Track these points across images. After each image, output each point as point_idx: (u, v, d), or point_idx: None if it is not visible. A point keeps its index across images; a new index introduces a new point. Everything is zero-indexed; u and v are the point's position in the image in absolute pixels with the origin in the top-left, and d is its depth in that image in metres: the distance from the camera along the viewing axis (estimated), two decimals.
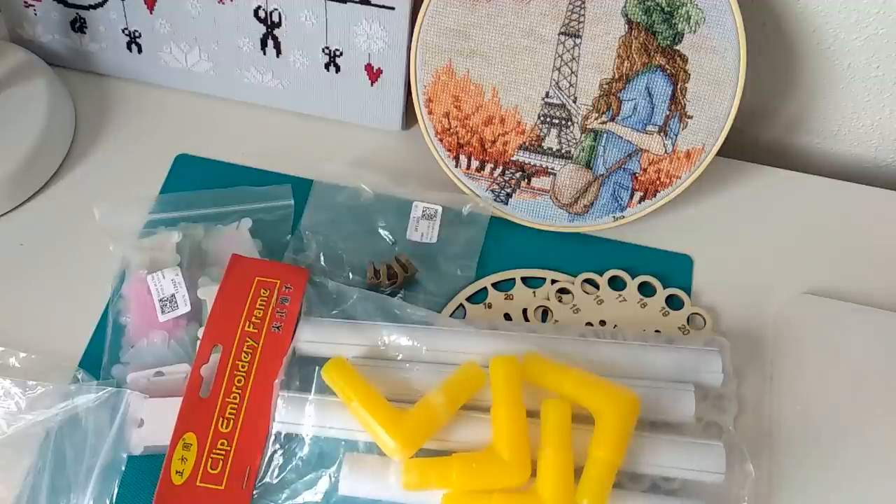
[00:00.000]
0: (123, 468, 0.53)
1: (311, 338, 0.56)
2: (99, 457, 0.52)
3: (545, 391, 0.53)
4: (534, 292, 0.63)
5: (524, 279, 0.63)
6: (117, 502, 0.52)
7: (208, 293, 0.58)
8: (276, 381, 0.54)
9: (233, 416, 0.53)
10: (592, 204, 0.65)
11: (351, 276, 0.62)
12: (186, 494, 0.51)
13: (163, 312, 0.57)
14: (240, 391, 0.54)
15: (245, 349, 0.55)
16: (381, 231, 0.64)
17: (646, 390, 0.53)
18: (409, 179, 0.66)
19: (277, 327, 0.56)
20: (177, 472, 0.51)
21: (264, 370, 0.55)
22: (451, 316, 0.61)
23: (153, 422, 0.54)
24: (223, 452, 0.52)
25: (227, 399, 0.53)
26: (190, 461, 0.52)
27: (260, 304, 0.57)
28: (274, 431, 0.53)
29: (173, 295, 0.57)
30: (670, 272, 0.64)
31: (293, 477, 0.53)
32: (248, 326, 0.56)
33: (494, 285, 0.63)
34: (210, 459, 0.52)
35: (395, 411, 0.51)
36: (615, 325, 0.61)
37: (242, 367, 0.55)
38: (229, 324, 0.56)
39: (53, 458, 0.53)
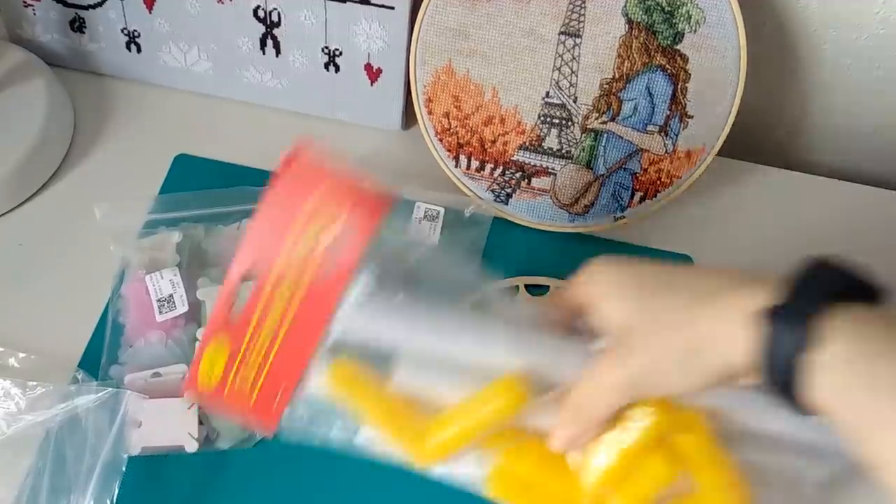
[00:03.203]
0: (124, 468, 0.53)
1: (358, 326, 0.42)
2: (99, 457, 0.52)
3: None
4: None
5: (528, 287, 0.63)
6: (118, 503, 0.52)
7: (208, 294, 0.58)
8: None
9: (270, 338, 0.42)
10: (593, 204, 0.65)
11: None
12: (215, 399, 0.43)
13: (160, 312, 0.57)
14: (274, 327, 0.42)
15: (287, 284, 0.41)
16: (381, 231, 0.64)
17: None
18: (408, 180, 0.66)
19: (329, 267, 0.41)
20: (205, 375, 0.43)
21: (297, 328, 0.42)
22: None
23: (151, 423, 0.54)
24: (256, 368, 0.42)
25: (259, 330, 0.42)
26: (219, 368, 0.43)
27: (312, 231, 0.41)
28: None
29: (171, 295, 0.57)
30: None
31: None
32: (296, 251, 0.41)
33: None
34: (243, 369, 0.43)
35: (414, 424, 0.43)
36: None
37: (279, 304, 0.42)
38: (274, 242, 0.42)
39: (53, 458, 0.53)
